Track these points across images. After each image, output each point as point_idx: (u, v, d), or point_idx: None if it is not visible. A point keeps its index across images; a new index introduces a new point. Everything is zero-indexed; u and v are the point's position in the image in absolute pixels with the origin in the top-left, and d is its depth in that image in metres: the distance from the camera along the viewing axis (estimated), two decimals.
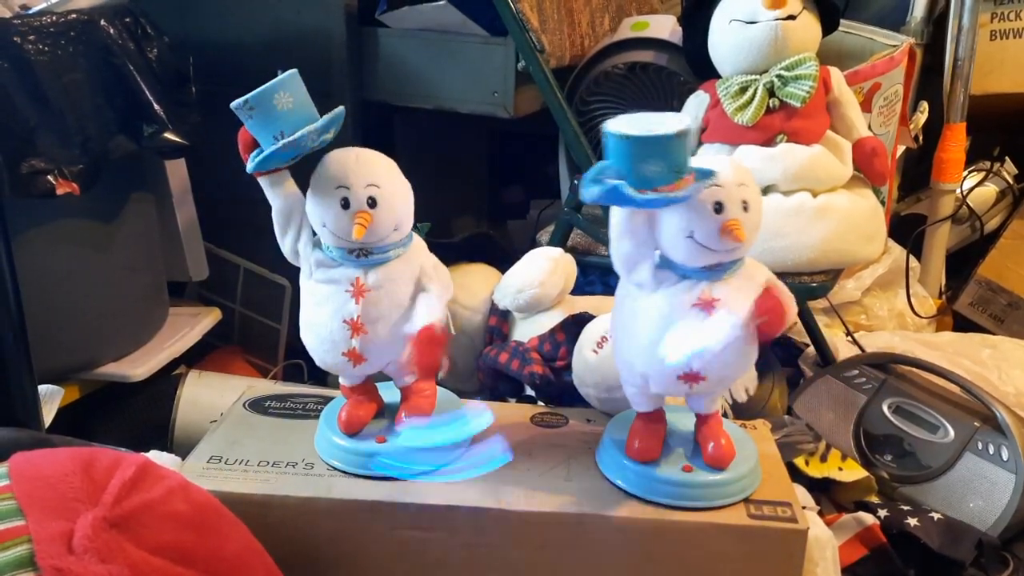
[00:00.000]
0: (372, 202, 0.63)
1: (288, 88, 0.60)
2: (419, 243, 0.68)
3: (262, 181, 0.65)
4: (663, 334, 0.60)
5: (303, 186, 0.65)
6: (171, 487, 0.52)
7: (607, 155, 0.57)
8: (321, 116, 0.62)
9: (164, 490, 0.51)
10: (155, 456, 0.70)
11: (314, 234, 0.66)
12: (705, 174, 0.58)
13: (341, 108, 0.63)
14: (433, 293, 0.66)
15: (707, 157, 0.61)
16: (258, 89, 0.60)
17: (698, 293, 0.60)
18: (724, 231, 0.58)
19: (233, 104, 0.60)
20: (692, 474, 0.66)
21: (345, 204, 0.63)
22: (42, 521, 0.46)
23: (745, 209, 0.59)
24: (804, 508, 0.67)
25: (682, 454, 0.68)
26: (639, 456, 0.67)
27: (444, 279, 0.68)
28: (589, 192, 0.57)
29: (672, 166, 0.56)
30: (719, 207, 0.59)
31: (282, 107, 0.60)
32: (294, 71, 0.61)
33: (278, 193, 0.65)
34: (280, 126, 0.61)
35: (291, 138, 0.60)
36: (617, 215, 0.61)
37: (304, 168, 0.65)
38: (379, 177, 0.64)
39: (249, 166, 0.62)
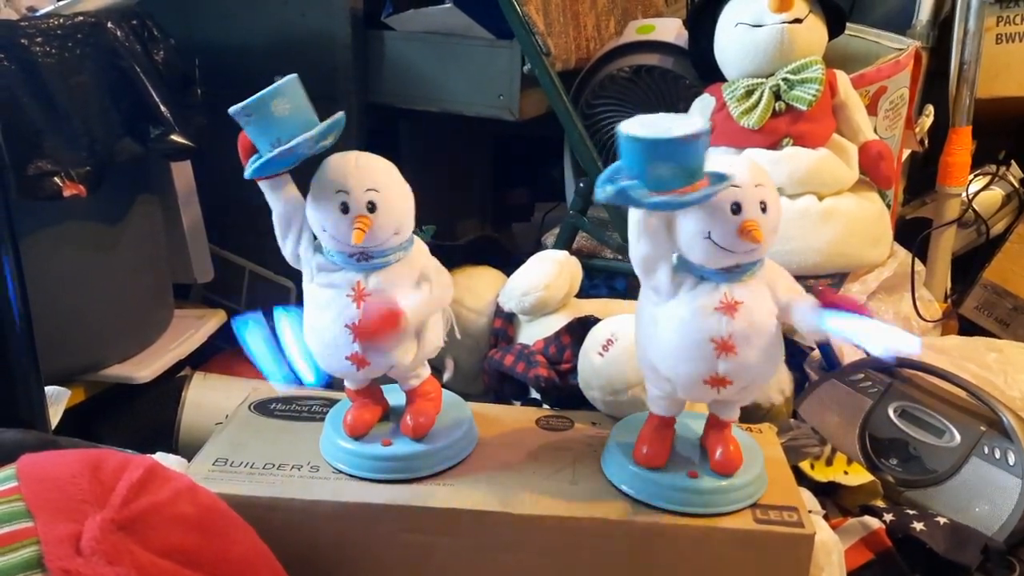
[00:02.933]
0: (371, 206, 0.62)
1: (285, 94, 0.60)
2: (420, 246, 0.68)
3: (262, 186, 0.65)
4: (687, 339, 0.60)
5: (304, 189, 0.65)
6: (178, 489, 0.52)
7: (620, 156, 0.57)
8: (324, 120, 0.62)
9: (171, 492, 0.51)
10: (161, 458, 0.71)
11: (315, 238, 0.66)
12: (719, 178, 0.57)
13: (341, 114, 0.63)
14: (426, 289, 0.66)
15: (720, 159, 0.61)
16: (255, 95, 0.59)
17: (720, 296, 0.60)
18: (742, 232, 0.58)
19: (231, 110, 0.60)
20: (698, 480, 0.65)
21: (344, 209, 0.62)
22: (50, 523, 0.46)
23: (763, 210, 0.59)
24: (810, 512, 0.67)
25: (688, 460, 0.68)
26: (646, 462, 0.67)
27: (445, 282, 0.68)
28: (602, 192, 0.57)
29: (684, 169, 0.56)
30: (737, 208, 0.58)
31: (279, 113, 0.60)
32: (293, 76, 0.60)
33: (278, 197, 0.65)
34: (277, 132, 0.60)
35: (288, 145, 0.60)
36: (634, 216, 0.61)
37: (306, 172, 0.65)
38: (378, 181, 0.64)
39: (247, 172, 0.62)
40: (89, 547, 0.45)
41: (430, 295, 0.66)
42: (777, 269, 0.63)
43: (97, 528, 0.46)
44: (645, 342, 0.64)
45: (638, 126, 0.56)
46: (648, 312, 0.63)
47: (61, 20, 0.90)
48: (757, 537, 0.63)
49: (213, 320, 1.17)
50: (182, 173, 1.14)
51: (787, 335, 0.64)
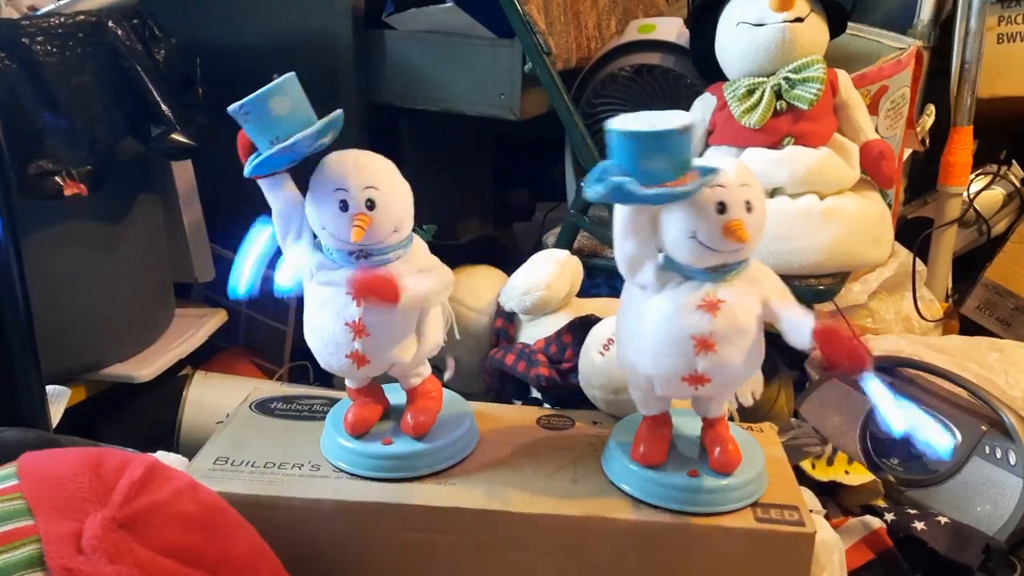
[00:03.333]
0: (371, 204, 0.62)
1: (284, 92, 0.60)
2: (420, 244, 0.68)
3: (261, 184, 0.65)
4: (668, 336, 0.60)
5: (303, 189, 0.65)
6: (179, 488, 0.52)
7: (610, 154, 0.57)
8: (319, 120, 0.62)
9: (172, 491, 0.51)
10: (162, 456, 0.71)
11: (315, 236, 0.66)
12: (708, 171, 0.58)
13: (339, 111, 0.63)
14: (433, 276, 0.66)
15: (713, 158, 0.61)
16: (253, 94, 0.59)
17: (702, 295, 0.60)
18: (727, 231, 0.58)
19: (230, 108, 0.60)
20: (698, 479, 0.65)
21: (343, 206, 0.62)
22: (51, 521, 0.46)
23: (748, 210, 0.59)
24: (811, 512, 0.67)
25: (688, 459, 0.68)
26: (644, 461, 0.67)
27: (446, 279, 0.68)
28: (593, 191, 0.58)
29: (676, 162, 0.56)
30: (722, 207, 0.58)
31: (277, 112, 0.60)
32: (291, 75, 0.60)
33: (277, 196, 0.65)
34: (276, 131, 0.60)
35: (286, 143, 0.60)
36: (620, 215, 0.61)
37: (305, 170, 0.65)
38: (377, 179, 0.64)
39: (246, 170, 0.62)
40: (90, 545, 0.45)
41: (433, 282, 0.66)
42: (764, 270, 0.63)
43: (98, 526, 0.46)
44: (627, 339, 0.64)
45: (628, 122, 0.56)
46: (632, 309, 0.64)
47: (62, 19, 0.90)
48: (758, 536, 0.63)
49: (214, 319, 1.17)
50: (183, 172, 1.14)
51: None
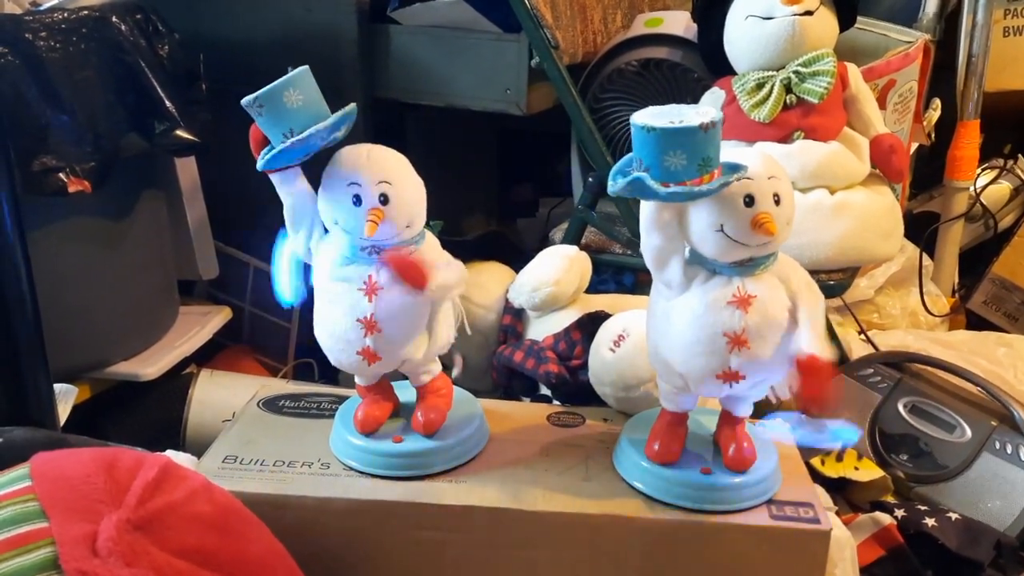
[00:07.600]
0: (384, 199, 0.62)
1: (298, 86, 0.59)
2: (432, 240, 0.68)
3: (273, 178, 0.64)
4: (699, 334, 0.60)
5: (316, 183, 0.65)
6: (194, 488, 0.51)
7: (634, 147, 0.56)
8: (332, 114, 0.61)
9: (187, 491, 0.50)
10: (172, 456, 0.70)
11: (326, 231, 0.66)
12: (733, 168, 0.57)
13: (353, 106, 0.62)
14: (456, 267, 0.66)
15: (733, 151, 0.60)
16: (268, 86, 0.59)
17: (732, 290, 0.59)
18: (755, 224, 0.57)
19: (243, 101, 0.59)
20: (712, 476, 0.65)
21: (357, 201, 0.62)
22: (65, 523, 0.46)
23: (777, 203, 0.58)
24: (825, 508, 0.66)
25: (701, 456, 0.67)
26: (659, 458, 0.66)
27: (459, 272, 0.68)
28: (614, 185, 0.57)
29: (697, 159, 0.55)
30: (750, 200, 0.58)
31: (291, 105, 0.59)
32: (304, 68, 0.60)
33: (289, 191, 0.65)
34: (289, 124, 0.60)
35: (300, 137, 0.60)
36: (646, 209, 0.60)
37: (316, 165, 0.64)
38: (391, 174, 0.63)
39: (259, 164, 0.62)
40: (106, 548, 0.44)
41: (459, 273, 0.65)
42: (792, 264, 0.63)
43: (113, 528, 0.45)
44: (657, 337, 0.64)
45: (650, 116, 0.55)
46: (660, 307, 0.63)
47: (65, 14, 0.89)
48: (773, 534, 0.63)
49: (218, 317, 1.16)
50: (187, 169, 1.14)
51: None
